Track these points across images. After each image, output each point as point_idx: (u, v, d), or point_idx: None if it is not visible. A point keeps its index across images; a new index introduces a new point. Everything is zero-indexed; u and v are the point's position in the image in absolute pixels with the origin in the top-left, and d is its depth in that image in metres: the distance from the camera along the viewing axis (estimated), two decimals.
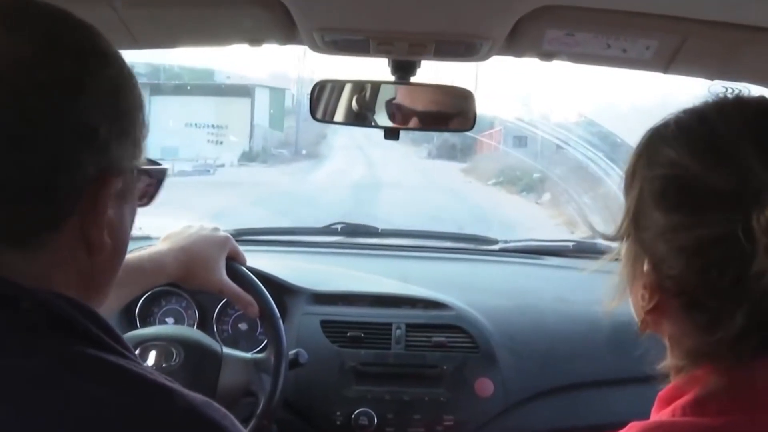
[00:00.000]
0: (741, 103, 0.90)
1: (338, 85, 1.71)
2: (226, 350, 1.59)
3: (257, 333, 1.95)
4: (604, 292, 1.00)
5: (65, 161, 0.73)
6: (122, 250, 0.85)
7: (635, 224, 0.91)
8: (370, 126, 1.76)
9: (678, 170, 0.86)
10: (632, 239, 0.93)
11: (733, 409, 0.83)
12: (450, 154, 19.29)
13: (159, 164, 0.92)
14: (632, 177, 0.93)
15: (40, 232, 0.74)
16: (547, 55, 1.45)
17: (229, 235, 1.62)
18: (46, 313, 0.72)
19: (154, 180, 0.91)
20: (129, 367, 0.73)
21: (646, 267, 0.90)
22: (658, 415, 0.89)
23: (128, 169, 0.81)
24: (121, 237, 0.83)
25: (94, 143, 0.75)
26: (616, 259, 0.98)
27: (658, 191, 0.88)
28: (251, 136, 17.37)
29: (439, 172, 17.84)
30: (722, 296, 0.82)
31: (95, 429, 0.67)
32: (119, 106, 0.79)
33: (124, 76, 0.81)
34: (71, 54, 0.76)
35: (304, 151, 19.28)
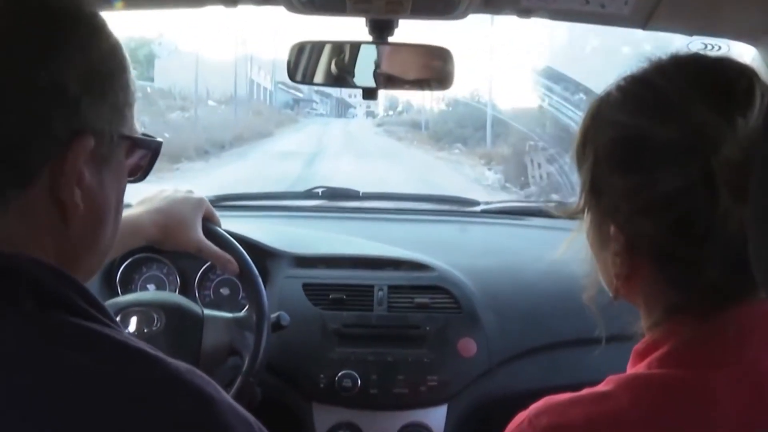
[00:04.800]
0: (679, 60, 0.91)
1: (317, 47, 1.70)
2: (207, 311, 1.59)
3: (239, 297, 1.94)
4: (585, 250, 1.01)
5: (31, 117, 0.73)
6: (102, 217, 0.83)
7: (594, 193, 0.93)
8: (349, 86, 1.76)
9: (630, 130, 0.88)
10: (594, 209, 0.94)
11: (706, 361, 0.84)
12: None
13: (152, 137, 0.91)
14: (583, 149, 0.94)
15: (5, 190, 0.74)
16: (525, 12, 1.45)
17: (204, 197, 1.62)
18: (24, 281, 0.71)
19: (147, 153, 0.91)
20: (112, 335, 0.72)
21: (612, 232, 0.90)
22: (634, 369, 0.90)
23: (106, 133, 0.79)
24: (99, 204, 0.82)
25: (62, 101, 0.75)
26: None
27: (613, 155, 0.89)
28: None
29: None
30: (693, 246, 0.83)
31: (79, 398, 0.67)
32: (94, 67, 0.78)
33: (101, 39, 0.81)
34: (42, 11, 0.76)
35: None
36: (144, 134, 0.89)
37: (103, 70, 0.80)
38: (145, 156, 0.91)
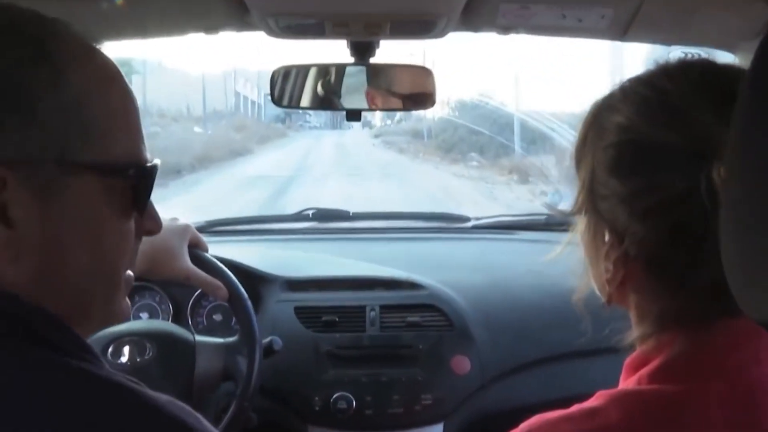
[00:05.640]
0: (685, 64, 0.90)
1: (302, 71, 1.71)
2: (199, 338, 1.59)
3: (232, 323, 1.94)
4: (576, 263, 1.00)
5: None
6: (60, 253, 0.74)
7: (592, 196, 0.91)
8: (336, 109, 1.76)
9: (630, 134, 0.86)
10: (590, 212, 0.92)
11: (697, 375, 0.83)
12: None
13: (144, 162, 0.81)
14: (583, 148, 0.93)
15: None
16: (503, 29, 1.46)
17: (189, 224, 1.61)
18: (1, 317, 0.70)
19: (128, 182, 0.79)
20: (91, 370, 0.71)
21: (607, 238, 0.89)
22: (625, 383, 0.89)
23: (40, 161, 0.71)
24: (48, 239, 0.73)
25: None
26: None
27: (613, 159, 0.87)
28: None
29: None
30: (688, 255, 0.82)
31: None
32: (13, 83, 0.70)
33: (29, 52, 0.72)
34: None
35: None
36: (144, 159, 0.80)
37: (28, 87, 0.71)
38: (127, 186, 0.78)
